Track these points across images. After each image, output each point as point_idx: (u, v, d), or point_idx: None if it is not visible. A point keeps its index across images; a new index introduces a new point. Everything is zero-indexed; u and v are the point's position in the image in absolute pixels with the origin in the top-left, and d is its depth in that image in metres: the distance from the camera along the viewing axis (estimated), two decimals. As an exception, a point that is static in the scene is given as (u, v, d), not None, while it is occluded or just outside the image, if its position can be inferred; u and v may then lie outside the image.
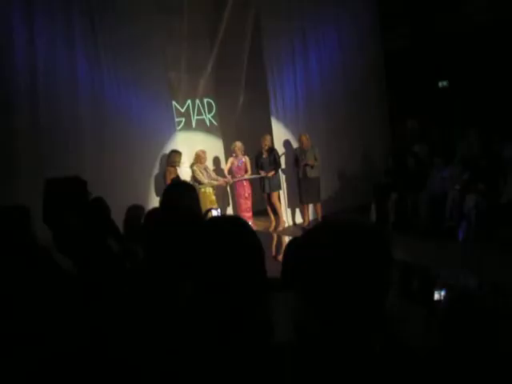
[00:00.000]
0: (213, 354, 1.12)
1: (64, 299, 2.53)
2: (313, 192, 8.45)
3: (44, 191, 3.59)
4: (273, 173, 8.37)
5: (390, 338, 1.40)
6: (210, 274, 1.10)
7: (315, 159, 8.37)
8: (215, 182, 8.27)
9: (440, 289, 2.25)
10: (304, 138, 8.40)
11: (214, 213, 2.78)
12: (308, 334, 1.08)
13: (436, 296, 2.22)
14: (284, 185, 8.82)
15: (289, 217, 9.02)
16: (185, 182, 3.35)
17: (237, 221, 1.23)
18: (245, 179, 8.34)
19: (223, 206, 9.37)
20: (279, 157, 8.58)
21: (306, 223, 8.66)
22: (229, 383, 1.06)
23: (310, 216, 8.77)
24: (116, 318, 2.05)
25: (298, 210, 9.04)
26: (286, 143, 8.93)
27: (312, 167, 8.36)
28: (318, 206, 8.61)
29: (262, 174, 8.39)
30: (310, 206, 8.75)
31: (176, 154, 7.67)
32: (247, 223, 1.27)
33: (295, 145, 8.78)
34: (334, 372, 0.98)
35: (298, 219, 9.01)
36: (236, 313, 1.12)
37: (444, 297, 2.12)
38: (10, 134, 6.52)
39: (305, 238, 1.05)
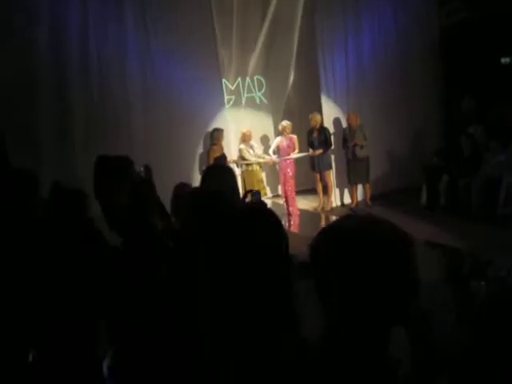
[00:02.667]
0: (236, 345, 1.14)
1: (108, 276, 2.65)
2: (361, 172, 8.31)
3: (95, 168, 3.73)
4: (321, 151, 8.25)
5: (417, 336, 1.38)
6: (230, 266, 1.12)
7: (364, 139, 8.19)
8: (262, 160, 8.29)
9: (478, 280, 2.16)
10: (353, 116, 8.22)
11: (254, 194, 2.78)
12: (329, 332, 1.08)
13: (475, 289, 2.14)
14: (333, 164, 8.70)
15: (337, 197, 8.92)
16: (221, 165, 3.35)
17: (261, 211, 1.23)
18: (291, 158, 8.26)
19: (273, 184, 9.41)
20: (330, 136, 8.43)
21: (355, 204, 8.55)
22: (244, 377, 1.09)
23: (359, 197, 8.65)
24: (153, 297, 2.13)
25: (346, 190, 8.92)
26: (336, 121, 8.77)
27: (361, 147, 8.19)
28: (367, 186, 8.47)
29: (310, 152, 8.31)
30: (359, 187, 8.61)
31: (218, 132, 7.71)
32: (272, 213, 1.27)
33: (345, 124, 8.61)
34: (350, 372, 0.98)
35: (347, 199, 8.90)
36: (257, 306, 1.13)
37: (482, 290, 2.05)
38: (64, 109, 6.82)
39: (322, 236, 1.05)
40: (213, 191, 1.99)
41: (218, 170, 2.79)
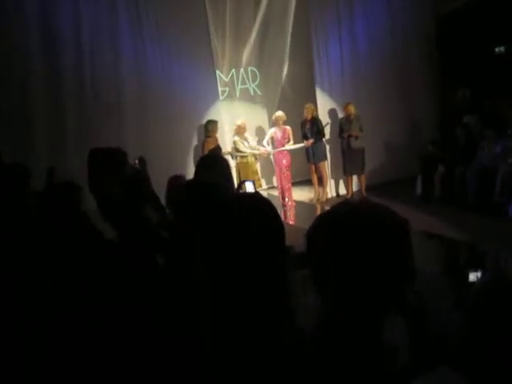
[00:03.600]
0: (229, 338, 1.13)
1: (104, 269, 2.64)
2: (357, 163, 8.31)
3: (88, 161, 3.71)
4: (312, 142, 8.22)
5: (414, 324, 1.37)
6: (225, 257, 1.10)
7: (360, 130, 8.18)
8: (256, 152, 8.25)
9: (476, 270, 2.15)
10: (350, 107, 8.20)
11: (248, 185, 2.77)
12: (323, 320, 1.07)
13: (471, 277, 2.14)
14: (328, 155, 8.69)
15: (332, 188, 8.90)
16: (215, 156, 3.31)
17: (256, 200, 1.22)
18: (286, 149, 8.24)
19: (268, 176, 9.40)
20: (323, 126, 8.40)
21: (350, 195, 8.55)
22: (242, 368, 1.07)
23: (354, 187, 8.64)
24: (150, 289, 2.11)
25: (341, 181, 8.91)
26: (331, 112, 8.75)
27: (356, 138, 8.18)
28: (362, 177, 8.48)
29: (304, 143, 8.29)
30: (354, 178, 8.61)
31: (212, 123, 7.68)
32: (268, 202, 1.25)
33: (340, 114, 8.60)
34: (344, 362, 0.97)
35: (342, 190, 8.90)
36: (253, 297, 1.12)
37: (478, 279, 2.04)
38: (57, 102, 6.75)
39: (319, 221, 1.03)
40: (207, 182, 1.96)
41: (212, 161, 2.76)
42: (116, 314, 2.23)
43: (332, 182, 8.88)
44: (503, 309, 1.38)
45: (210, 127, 7.66)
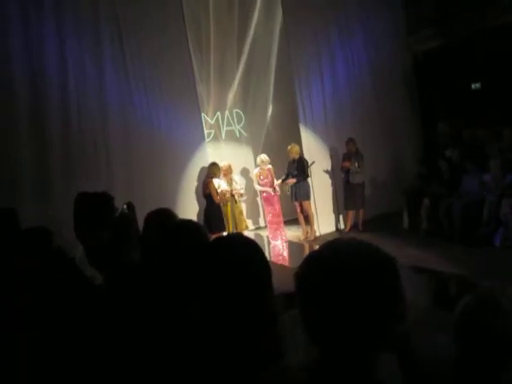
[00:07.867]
0: (216, 378, 1.11)
1: (90, 313, 2.58)
2: (356, 198, 8.42)
3: (74, 206, 3.69)
4: (293, 180, 8.27)
5: (408, 356, 1.36)
6: (212, 299, 1.10)
7: (358, 166, 8.31)
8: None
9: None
10: (349, 145, 8.37)
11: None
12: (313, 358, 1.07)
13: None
14: (314, 193, 8.73)
15: (326, 224, 8.88)
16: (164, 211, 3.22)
17: (242, 242, 1.22)
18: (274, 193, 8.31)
19: (254, 217, 9.40)
20: (308, 166, 8.43)
21: (348, 229, 8.64)
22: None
23: (351, 222, 8.68)
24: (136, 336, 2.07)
25: (333, 218, 8.95)
26: (315, 151, 8.81)
27: (349, 171, 8.32)
28: (361, 212, 8.57)
29: (286, 181, 8.33)
30: (352, 212, 8.67)
31: (215, 166, 7.74)
32: (254, 243, 1.26)
33: (325, 153, 8.75)
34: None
35: (331, 227, 8.91)
36: (239, 338, 1.11)
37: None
38: (43, 146, 6.74)
39: (306, 262, 1.04)
40: (183, 224, 1.97)
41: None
42: (104, 360, 2.18)
43: (330, 217, 8.89)
44: (486, 331, 1.38)
45: (215, 170, 7.72)
